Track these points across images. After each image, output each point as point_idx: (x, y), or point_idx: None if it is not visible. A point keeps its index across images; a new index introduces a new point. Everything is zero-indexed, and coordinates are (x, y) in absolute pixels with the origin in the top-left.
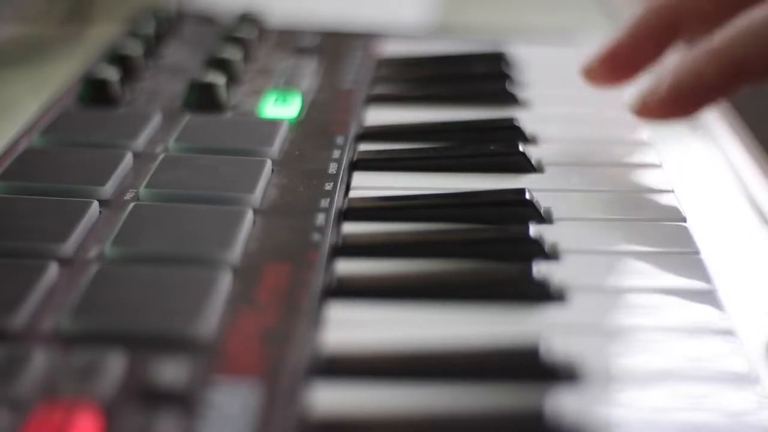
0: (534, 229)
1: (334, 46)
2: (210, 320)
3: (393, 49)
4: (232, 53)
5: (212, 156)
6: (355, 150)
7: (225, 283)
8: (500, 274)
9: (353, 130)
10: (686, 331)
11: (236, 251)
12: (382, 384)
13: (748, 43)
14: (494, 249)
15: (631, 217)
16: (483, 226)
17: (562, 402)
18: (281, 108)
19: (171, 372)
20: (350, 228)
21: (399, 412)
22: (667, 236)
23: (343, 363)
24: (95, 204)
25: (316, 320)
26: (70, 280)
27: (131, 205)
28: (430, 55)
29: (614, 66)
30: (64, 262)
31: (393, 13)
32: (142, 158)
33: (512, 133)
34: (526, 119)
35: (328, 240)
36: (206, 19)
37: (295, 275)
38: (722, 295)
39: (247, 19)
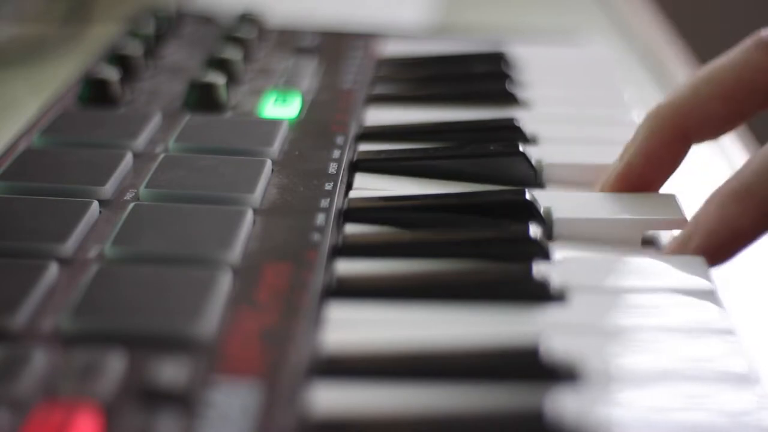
0: (534, 230)
1: (334, 46)
2: (210, 320)
3: (393, 49)
4: (232, 53)
5: (212, 156)
6: (355, 150)
7: (225, 283)
8: (500, 274)
9: (353, 130)
10: (686, 331)
11: (236, 251)
12: (382, 384)
13: None
14: (494, 249)
15: (630, 217)
16: (483, 226)
17: (562, 402)
18: (281, 108)
19: (171, 372)
20: (350, 228)
21: (399, 412)
22: (667, 236)
23: (342, 363)
24: (95, 204)
25: (316, 320)
26: (70, 280)
27: (131, 205)
28: (430, 55)
29: (630, 188)
30: (64, 262)
31: (393, 13)
32: (142, 158)
33: (512, 133)
34: (526, 119)
35: (328, 240)
36: (206, 19)
37: (295, 275)
38: (722, 295)
39: (247, 19)
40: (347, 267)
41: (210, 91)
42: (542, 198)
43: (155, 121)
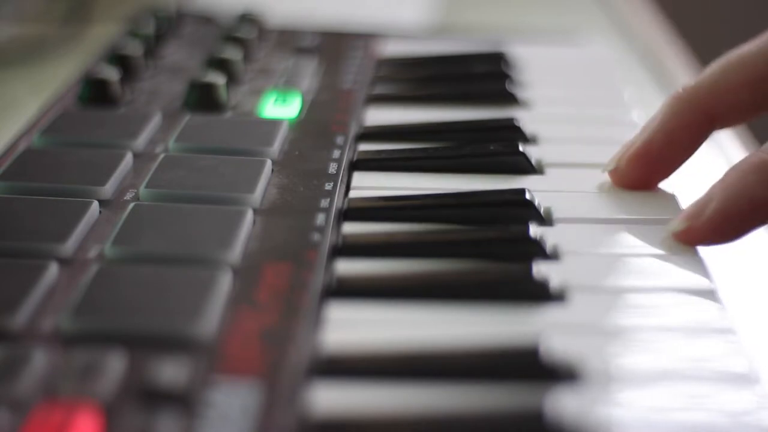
0: (534, 229)
1: (334, 46)
2: (210, 320)
3: (393, 49)
4: (232, 53)
5: (212, 156)
6: (355, 150)
7: (225, 283)
8: (500, 274)
9: (353, 130)
10: (686, 330)
11: (236, 251)
12: (382, 384)
13: None
14: (494, 249)
15: (630, 217)
16: (483, 226)
17: (562, 402)
18: (281, 108)
19: (171, 372)
20: (350, 228)
21: (399, 412)
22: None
23: (342, 363)
24: (95, 204)
25: (316, 320)
26: (70, 280)
27: (131, 205)
28: (430, 55)
29: (647, 165)
30: (64, 262)
31: (393, 13)
32: (142, 158)
33: (512, 133)
34: (526, 119)
35: (328, 240)
36: (206, 19)
37: (295, 275)
38: (722, 295)
39: (247, 19)
40: (347, 267)
41: (210, 91)
42: (542, 197)
43: (155, 121)
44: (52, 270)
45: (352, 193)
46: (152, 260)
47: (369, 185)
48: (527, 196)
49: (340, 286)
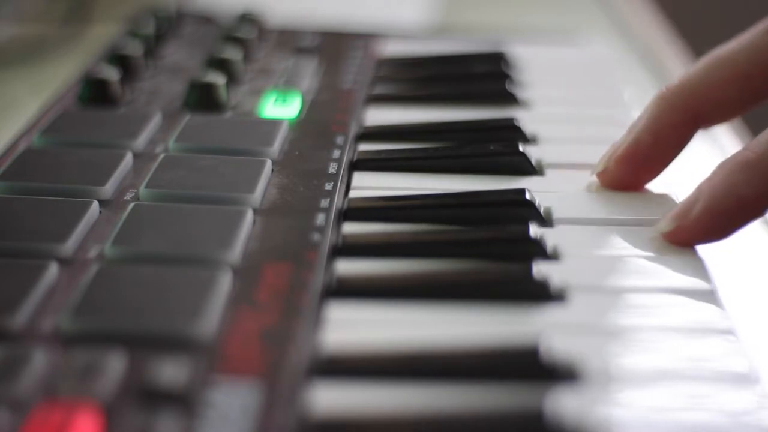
0: (534, 230)
1: (334, 46)
2: (210, 320)
3: (393, 49)
4: (232, 53)
5: (212, 156)
6: (355, 150)
7: (225, 283)
8: (500, 274)
9: (353, 130)
10: (686, 331)
11: (236, 251)
12: (382, 384)
13: None
14: (494, 249)
15: (630, 217)
16: (483, 226)
17: (562, 402)
18: (281, 108)
19: (171, 372)
20: (350, 228)
21: (399, 412)
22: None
23: (342, 363)
24: (95, 204)
25: (316, 320)
26: (70, 280)
27: (131, 205)
28: (430, 55)
29: (635, 165)
30: (64, 262)
31: (393, 13)
32: (142, 158)
33: (512, 133)
34: (526, 119)
35: (328, 240)
36: (206, 19)
37: (295, 275)
38: (722, 295)
39: (247, 19)
40: (347, 267)
41: (210, 91)
42: (542, 197)
43: (155, 121)
44: (52, 270)
45: (352, 193)
46: (152, 260)
47: (369, 185)
48: (527, 196)
49: (340, 286)
